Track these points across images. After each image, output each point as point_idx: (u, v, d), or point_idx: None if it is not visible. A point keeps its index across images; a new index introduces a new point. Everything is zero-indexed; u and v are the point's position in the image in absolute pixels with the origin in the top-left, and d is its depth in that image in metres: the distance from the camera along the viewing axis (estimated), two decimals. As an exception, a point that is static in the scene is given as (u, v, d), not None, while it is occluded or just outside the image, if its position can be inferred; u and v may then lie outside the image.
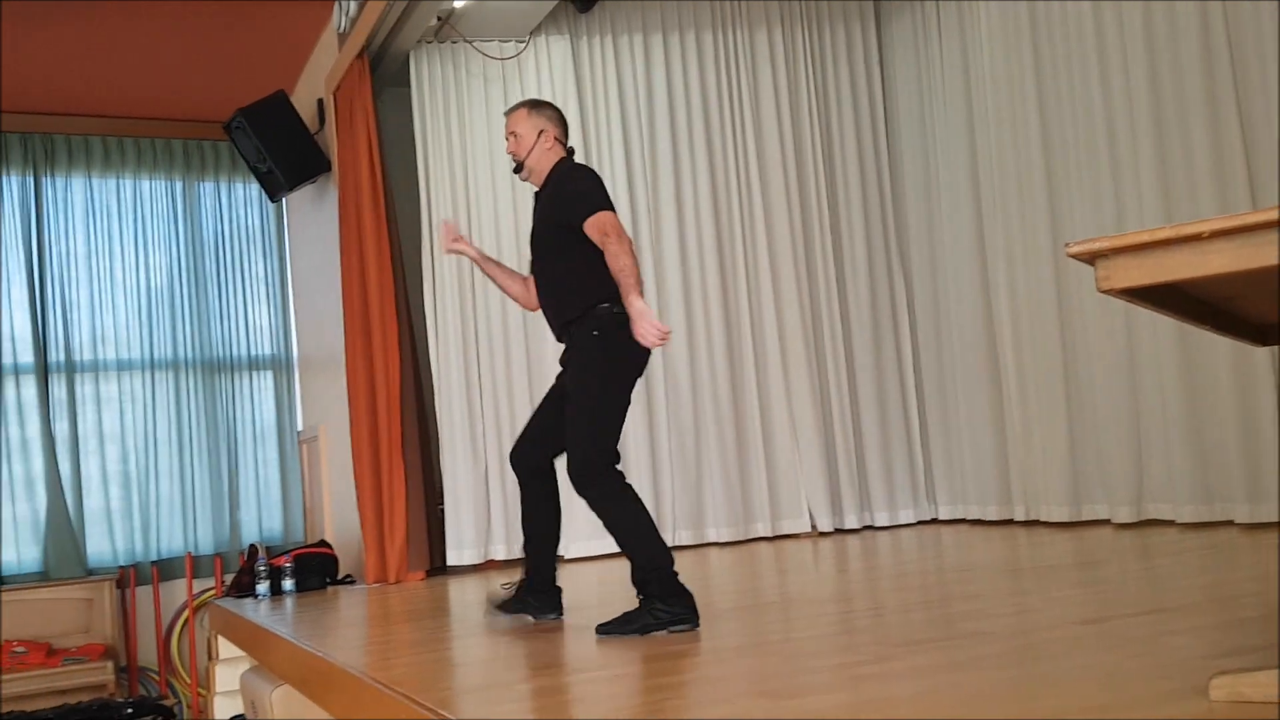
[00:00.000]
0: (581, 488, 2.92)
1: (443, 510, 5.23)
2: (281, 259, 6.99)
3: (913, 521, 5.74)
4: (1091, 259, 1.64)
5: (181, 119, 6.72)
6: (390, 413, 5.04)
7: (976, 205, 5.44)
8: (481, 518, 5.21)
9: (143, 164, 6.69)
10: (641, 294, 2.90)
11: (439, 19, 5.21)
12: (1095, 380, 4.77)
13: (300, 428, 6.81)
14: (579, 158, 5.73)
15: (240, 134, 5.86)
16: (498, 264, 3.48)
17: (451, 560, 5.15)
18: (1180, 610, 2.51)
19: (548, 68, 5.50)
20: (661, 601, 2.80)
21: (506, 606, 3.23)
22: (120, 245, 6.61)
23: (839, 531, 5.62)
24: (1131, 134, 4.56)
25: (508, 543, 5.22)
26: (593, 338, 2.96)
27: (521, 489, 3.23)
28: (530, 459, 3.18)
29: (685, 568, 4.59)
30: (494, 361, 5.32)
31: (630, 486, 2.96)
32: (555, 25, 5.53)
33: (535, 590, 3.20)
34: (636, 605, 2.84)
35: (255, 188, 6.75)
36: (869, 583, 3.70)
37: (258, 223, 6.96)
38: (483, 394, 5.30)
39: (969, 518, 5.54)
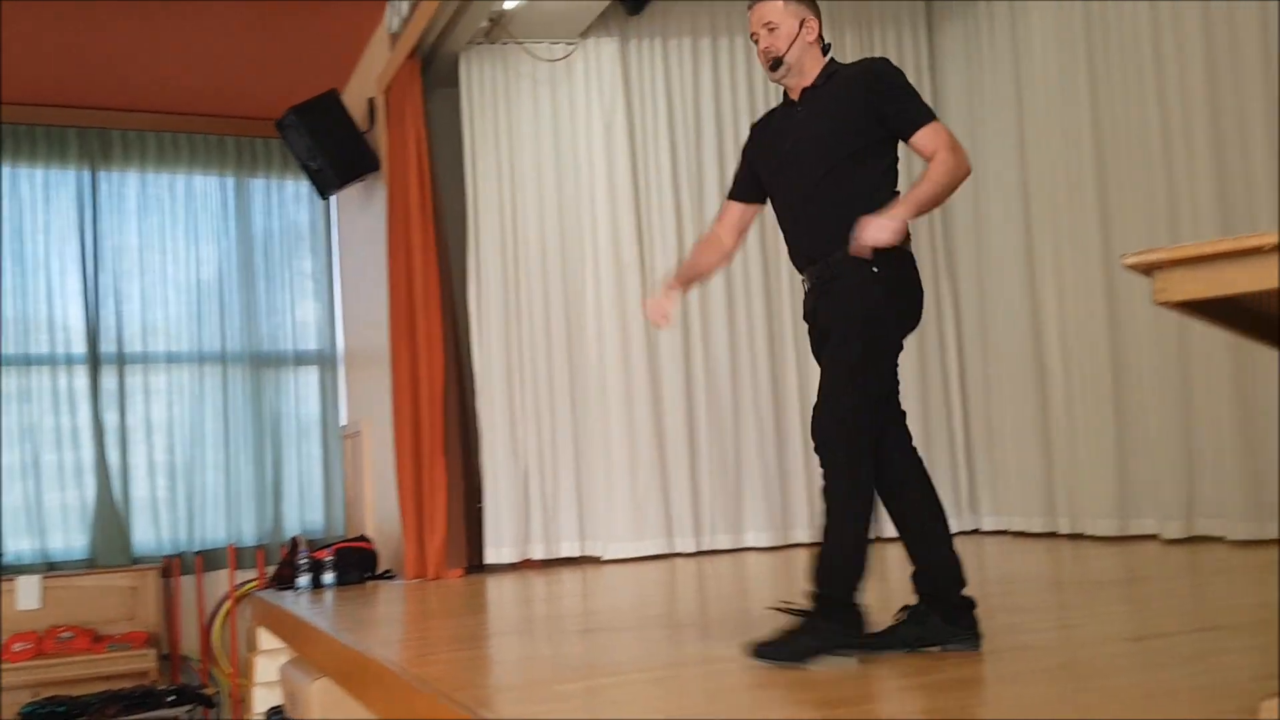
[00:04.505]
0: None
1: (481, 509, 5.25)
2: (329, 256, 7.06)
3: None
4: (1148, 270, 1.60)
5: (234, 116, 6.81)
6: (432, 410, 5.07)
7: (1025, 212, 5.36)
8: (520, 517, 5.22)
9: (196, 160, 6.78)
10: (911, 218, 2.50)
11: (490, 20, 5.24)
12: (1145, 392, 4.69)
13: (343, 423, 6.87)
14: (627, 160, 5.71)
15: (292, 131, 5.92)
16: (689, 267, 3.04)
17: (490, 559, 5.17)
18: (1229, 629, 2.46)
19: (597, 70, 5.51)
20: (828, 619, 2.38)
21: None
22: (172, 240, 6.71)
23: (880, 539, 5.56)
24: (1187, 141, 4.48)
25: (546, 542, 5.24)
26: (873, 274, 2.52)
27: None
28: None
29: (722, 572, 4.59)
30: (536, 362, 5.33)
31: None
32: (605, 27, 5.53)
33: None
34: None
35: (305, 185, 6.82)
36: (910, 592, 3.65)
37: (306, 220, 7.04)
38: (524, 394, 5.31)
39: (1012, 529, 5.47)
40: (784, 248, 5.33)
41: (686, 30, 5.67)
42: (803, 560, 4.82)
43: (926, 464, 2.71)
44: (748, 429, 5.50)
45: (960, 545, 2.75)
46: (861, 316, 2.51)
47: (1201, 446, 4.45)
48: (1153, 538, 4.63)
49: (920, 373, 5.79)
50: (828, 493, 2.51)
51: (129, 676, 5.79)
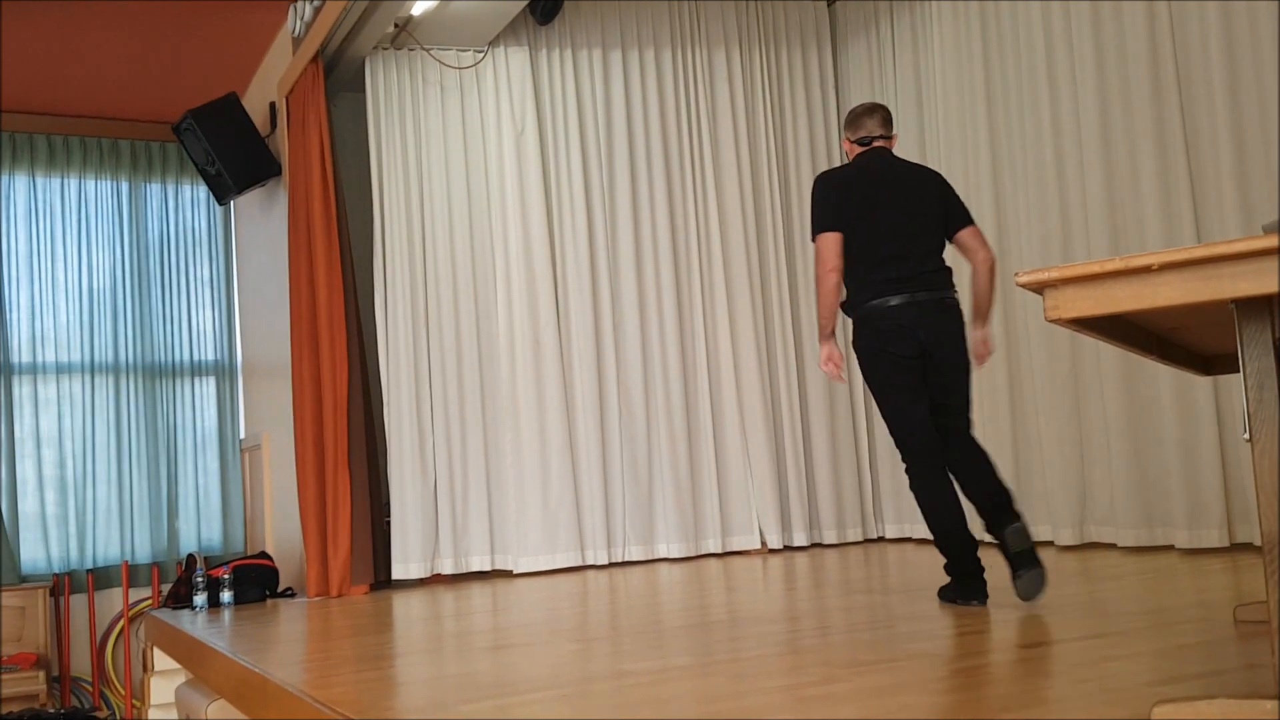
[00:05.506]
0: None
1: (389, 523, 5.16)
2: (228, 263, 6.88)
3: (859, 539, 5.77)
4: (1040, 289, 1.65)
5: (129, 119, 6.60)
6: (337, 422, 4.97)
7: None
8: (429, 531, 5.15)
9: (88, 164, 6.55)
10: (826, 336, 3.33)
11: (396, 25, 5.17)
12: (1039, 404, 4.84)
13: (243, 435, 6.70)
14: (538, 170, 5.68)
15: (189, 135, 5.76)
16: None
17: (397, 574, 5.08)
18: (1122, 635, 2.54)
19: (506, 78, 5.48)
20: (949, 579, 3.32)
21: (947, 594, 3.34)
22: (63, 246, 6.47)
23: (788, 549, 5.63)
24: (1080, 163, 4.65)
25: (455, 557, 5.18)
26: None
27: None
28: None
29: (635, 583, 4.60)
30: (445, 373, 5.27)
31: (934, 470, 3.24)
32: (514, 36, 5.51)
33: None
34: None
35: (203, 190, 6.64)
36: (816, 601, 3.70)
37: (204, 226, 6.85)
38: (433, 406, 5.24)
39: (914, 537, 5.58)
40: (699, 263, 5.61)
41: (596, 41, 5.68)
42: (714, 570, 4.86)
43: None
44: (660, 440, 5.51)
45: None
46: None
47: (1093, 456, 4.60)
48: (1048, 544, 4.77)
49: (826, 387, 5.88)
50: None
51: (18, 700, 5.56)
